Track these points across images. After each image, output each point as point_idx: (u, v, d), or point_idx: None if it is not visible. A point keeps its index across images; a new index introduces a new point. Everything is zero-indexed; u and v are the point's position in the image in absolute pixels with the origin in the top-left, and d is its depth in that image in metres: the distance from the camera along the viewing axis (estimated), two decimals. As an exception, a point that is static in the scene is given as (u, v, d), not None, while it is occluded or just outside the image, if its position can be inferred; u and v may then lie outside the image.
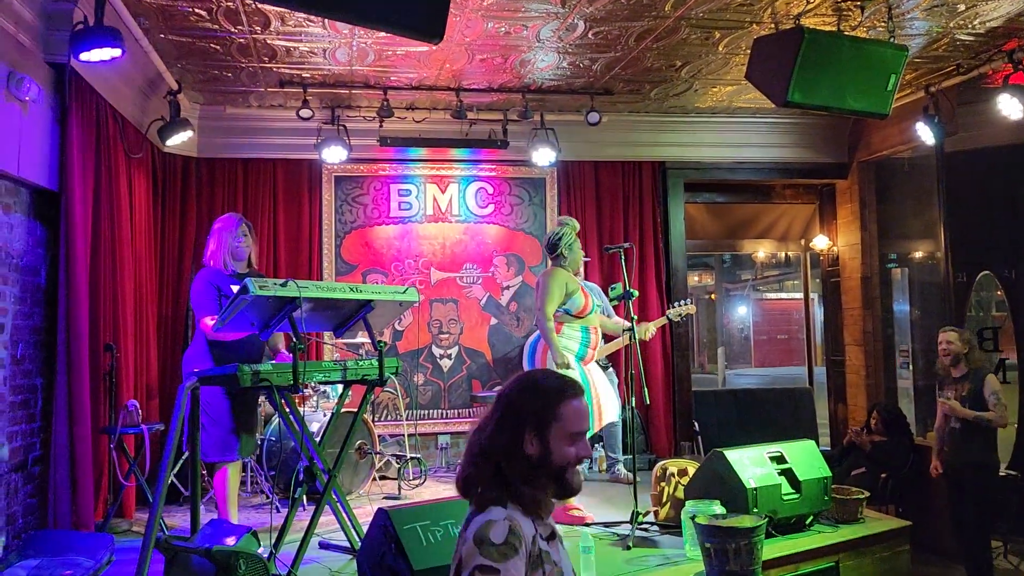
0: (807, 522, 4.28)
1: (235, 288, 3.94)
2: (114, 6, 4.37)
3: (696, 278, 22.30)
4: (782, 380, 18.69)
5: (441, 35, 3.32)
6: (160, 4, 4.57)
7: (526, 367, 4.92)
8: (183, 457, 4.98)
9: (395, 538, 3.09)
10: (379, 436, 6.07)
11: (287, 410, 3.81)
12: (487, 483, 1.85)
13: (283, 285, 3.57)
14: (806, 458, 4.44)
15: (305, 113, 6.13)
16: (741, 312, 24.83)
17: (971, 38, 5.37)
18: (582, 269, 5.01)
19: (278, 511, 4.91)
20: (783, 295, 24.07)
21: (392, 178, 7.09)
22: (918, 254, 7.48)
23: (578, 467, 1.92)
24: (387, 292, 4.09)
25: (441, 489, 5.90)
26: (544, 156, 6.69)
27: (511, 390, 1.94)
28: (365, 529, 4.06)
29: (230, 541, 3.15)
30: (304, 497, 4.67)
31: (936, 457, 5.28)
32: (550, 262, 4.97)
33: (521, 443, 1.85)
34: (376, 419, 6.69)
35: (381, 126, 6.56)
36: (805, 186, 8.11)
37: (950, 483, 5.20)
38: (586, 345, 4.81)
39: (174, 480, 5.11)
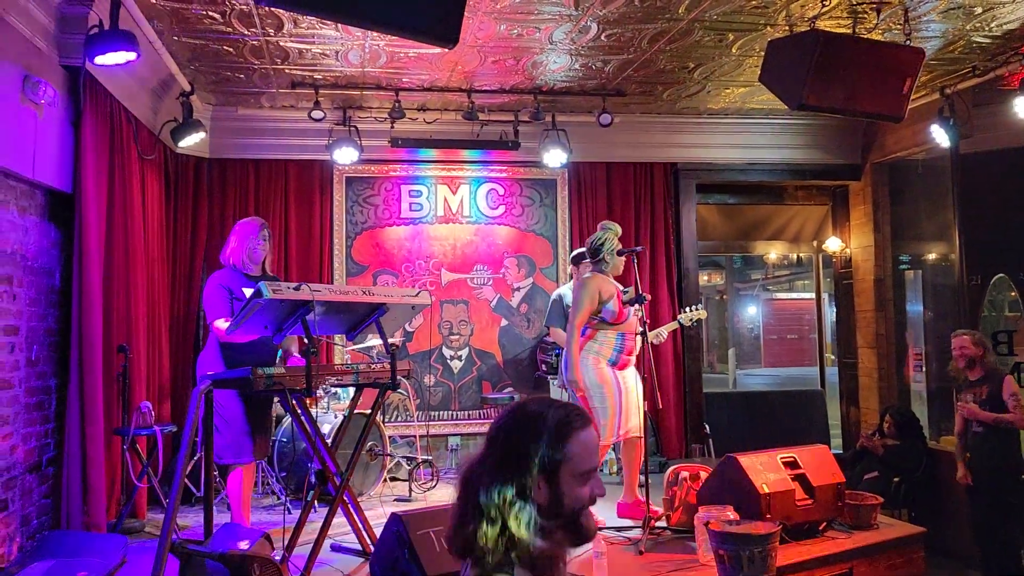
0: (820, 528, 4.26)
1: (247, 291, 3.95)
2: (128, 9, 4.38)
3: (706, 278, 22.24)
4: (792, 380, 18.63)
5: (456, 40, 3.30)
6: (174, 7, 4.58)
7: (562, 373, 4.90)
8: (195, 457, 5.00)
9: (408, 543, 3.09)
10: (389, 437, 6.08)
11: (300, 413, 3.82)
12: (491, 544, 1.56)
13: (296, 288, 3.57)
14: (820, 463, 4.41)
15: (317, 114, 6.14)
16: (751, 312, 24.74)
17: (987, 40, 5.33)
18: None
19: (289, 512, 4.93)
20: (793, 295, 23.96)
21: (403, 179, 7.09)
22: (932, 256, 7.43)
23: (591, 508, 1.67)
24: (400, 295, 4.09)
25: (452, 491, 5.89)
26: (555, 157, 6.68)
27: (506, 430, 1.64)
28: (376, 531, 4.08)
29: (244, 545, 3.16)
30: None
31: (960, 463, 5.23)
32: (590, 267, 4.96)
33: (527, 492, 1.57)
34: (386, 420, 6.69)
35: (392, 127, 6.57)
36: (818, 187, 8.07)
37: (971, 487, 5.16)
38: (620, 351, 4.75)
39: (186, 481, 5.13)
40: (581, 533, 1.63)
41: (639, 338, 4.77)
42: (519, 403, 1.71)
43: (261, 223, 4.44)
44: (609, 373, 4.74)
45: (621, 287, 4.98)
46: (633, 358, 4.85)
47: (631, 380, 4.82)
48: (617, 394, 4.71)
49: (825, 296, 9.30)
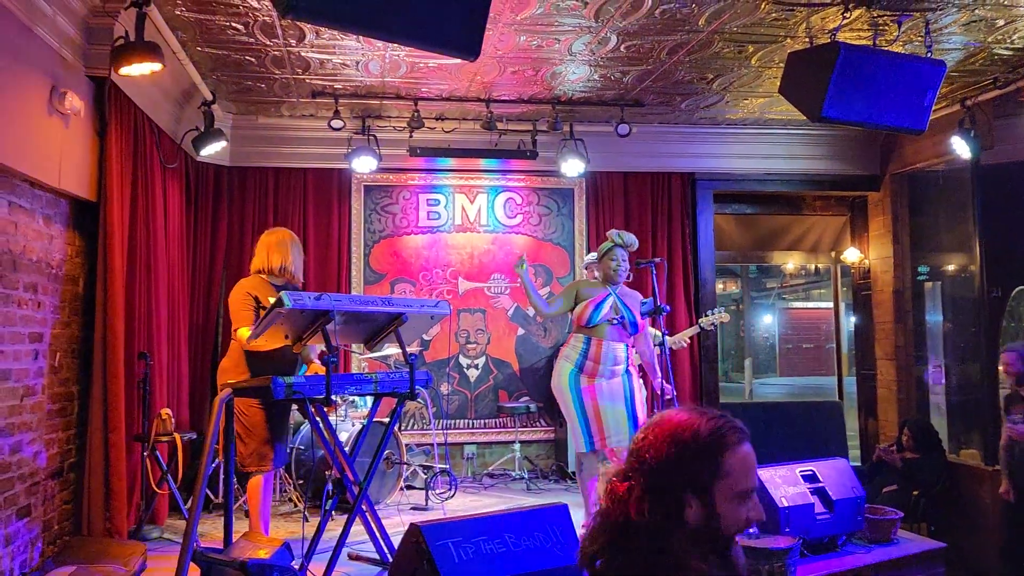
0: (840, 543, 4.23)
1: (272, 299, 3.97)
2: (153, 20, 4.43)
3: (721, 286, 22.13)
4: (808, 390, 18.52)
5: (478, 52, 3.33)
6: (198, 18, 4.63)
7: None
8: (213, 464, 5.03)
9: (428, 555, 3.08)
10: (406, 445, 6.10)
11: (320, 422, 3.84)
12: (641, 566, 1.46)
13: (317, 299, 3.60)
14: (839, 477, 4.38)
15: (336, 123, 6.18)
16: (767, 321, 24.62)
17: (1009, 52, 5.30)
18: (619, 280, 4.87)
19: (307, 520, 4.95)
20: (809, 304, 23.83)
21: (421, 188, 7.13)
22: (951, 267, 7.37)
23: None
24: (419, 305, 4.10)
25: (468, 501, 5.91)
26: (573, 167, 6.69)
27: (654, 443, 1.53)
28: (393, 540, 4.09)
29: (264, 554, 3.18)
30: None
31: (1005, 478, 5.17)
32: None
33: (680, 512, 1.47)
34: (403, 428, 6.71)
35: (411, 136, 6.60)
36: (836, 198, 8.03)
37: (1011, 503, 5.09)
38: (584, 356, 4.69)
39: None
40: (728, 563, 1.51)
41: (621, 353, 4.70)
42: (667, 416, 1.58)
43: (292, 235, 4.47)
44: (571, 379, 4.69)
45: (641, 297, 4.97)
46: (615, 368, 4.70)
47: (609, 391, 4.68)
48: (580, 401, 4.64)
49: (842, 305, 9.25)
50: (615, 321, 4.71)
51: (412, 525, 3.22)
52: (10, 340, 3.78)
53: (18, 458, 3.87)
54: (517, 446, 6.70)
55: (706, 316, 5.72)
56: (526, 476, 6.50)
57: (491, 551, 3.22)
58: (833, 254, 8.41)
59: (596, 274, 5.22)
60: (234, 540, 3.50)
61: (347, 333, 4.14)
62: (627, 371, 4.76)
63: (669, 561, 1.45)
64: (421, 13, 3.10)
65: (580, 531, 4.54)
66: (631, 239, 4.84)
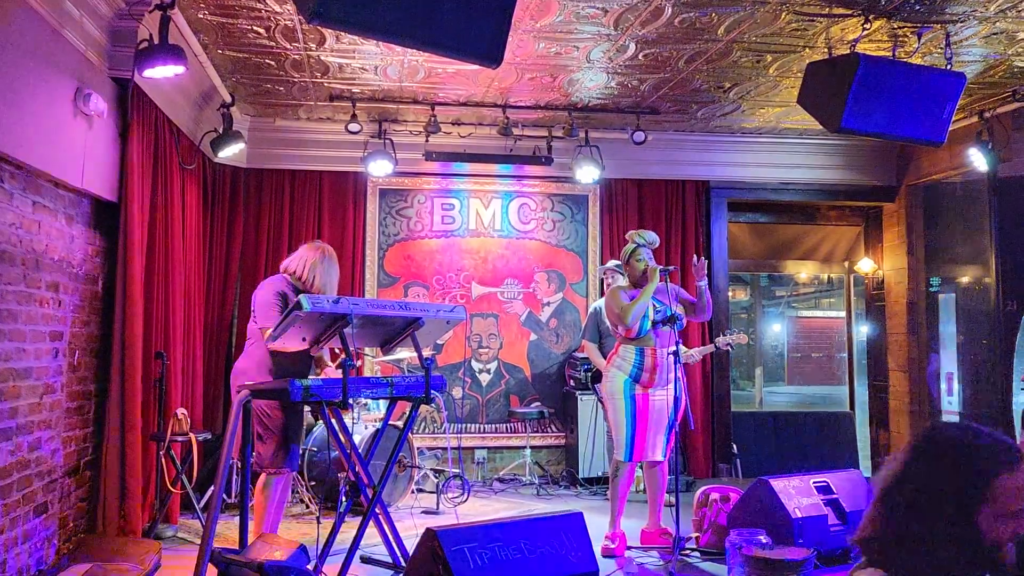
0: (853, 555, 4.22)
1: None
2: (176, 23, 4.47)
3: (731, 293, 22.06)
4: (817, 399, 18.44)
5: (500, 60, 3.35)
6: (220, 21, 4.67)
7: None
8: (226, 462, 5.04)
9: (443, 560, 3.10)
10: (417, 449, 6.11)
11: (336, 425, 3.85)
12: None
13: (336, 302, 3.61)
14: (852, 488, 4.38)
15: (353, 127, 6.21)
16: (776, 329, 24.56)
17: (1029, 65, 5.29)
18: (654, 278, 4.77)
19: (319, 522, 4.96)
20: (819, 312, 23.76)
21: (436, 192, 7.15)
22: (965, 279, 7.35)
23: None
24: (436, 310, 4.12)
25: (479, 506, 5.91)
26: (588, 173, 6.70)
27: (926, 459, 1.54)
28: (405, 543, 4.10)
29: (280, 555, 3.19)
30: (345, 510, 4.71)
31: None
32: (618, 278, 5.11)
33: (942, 529, 1.48)
34: (415, 431, 6.72)
35: (427, 141, 6.63)
36: (851, 208, 8.02)
37: None
38: (640, 367, 4.59)
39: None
40: (998, 569, 1.50)
41: (671, 358, 4.59)
42: (939, 428, 1.60)
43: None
44: (627, 388, 4.60)
45: (676, 287, 4.92)
46: (668, 376, 4.61)
47: (660, 405, 4.62)
48: (632, 412, 4.57)
49: (854, 315, 9.22)
50: (658, 323, 4.60)
51: (428, 530, 3.24)
52: (32, 338, 3.82)
53: (36, 455, 3.90)
54: (528, 451, 6.71)
55: (723, 336, 5.63)
56: (536, 481, 6.51)
57: (507, 557, 3.24)
58: (847, 264, 8.39)
59: (619, 280, 5.21)
60: (250, 542, 3.51)
61: (364, 337, 4.15)
62: (677, 378, 4.60)
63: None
64: (445, 21, 3.12)
65: (605, 542, 4.55)
66: (652, 236, 4.79)
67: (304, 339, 3.88)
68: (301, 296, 3.52)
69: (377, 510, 3.99)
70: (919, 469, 1.52)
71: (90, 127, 4.16)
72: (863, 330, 8.38)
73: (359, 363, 5.76)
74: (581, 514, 3.62)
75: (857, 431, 8.19)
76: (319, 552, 3.79)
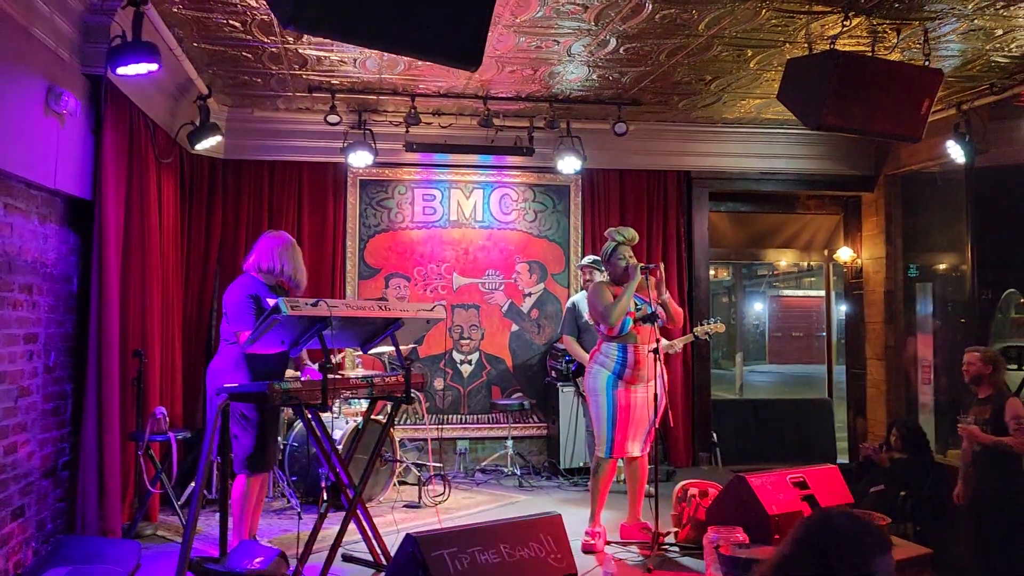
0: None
1: (272, 302, 3.95)
2: (150, 18, 4.38)
3: (713, 272, 22.14)
4: (797, 378, 18.67)
5: (479, 63, 3.30)
6: (195, 15, 4.60)
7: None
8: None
9: (423, 564, 3.12)
10: (399, 441, 6.12)
11: (315, 427, 3.85)
12: None
13: (314, 305, 3.59)
14: (829, 484, 4.44)
15: (333, 119, 6.15)
16: (757, 308, 24.74)
17: (1006, 60, 5.31)
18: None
19: (300, 518, 4.98)
20: (800, 292, 23.98)
21: (417, 183, 7.11)
22: (942, 268, 7.43)
23: None
24: (415, 309, 4.11)
25: (461, 498, 5.94)
26: (569, 164, 6.68)
27: (813, 537, 1.68)
28: (387, 540, 4.12)
29: (259, 562, 3.20)
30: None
31: (961, 481, 5.23)
32: (598, 275, 5.05)
33: None
34: (396, 423, 6.72)
35: (407, 131, 6.57)
36: (830, 197, 8.06)
37: (973, 509, 5.16)
38: (623, 364, 4.57)
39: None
40: None
41: (652, 354, 4.61)
42: (828, 516, 1.73)
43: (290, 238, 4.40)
44: (609, 385, 4.59)
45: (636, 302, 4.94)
46: (648, 373, 4.61)
47: (642, 401, 4.63)
48: (613, 408, 4.57)
49: (833, 296, 9.27)
50: (639, 319, 4.59)
51: (408, 535, 3.25)
52: (5, 343, 3.77)
53: (12, 459, 3.87)
54: (510, 442, 6.74)
55: (700, 325, 5.68)
56: (518, 472, 6.54)
57: (486, 561, 3.25)
58: (826, 252, 8.45)
59: (599, 276, 5.21)
60: (231, 546, 3.51)
61: (343, 337, 4.15)
62: (659, 375, 4.60)
63: None
64: (422, 25, 3.07)
65: (585, 538, 4.59)
66: (632, 233, 4.76)
67: (283, 342, 3.87)
68: (279, 301, 3.49)
69: (358, 511, 4.01)
70: (813, 552, 1.64)
71: (62, 126, 4.09)
72: (842, 309, 8.45)
73: (340, 357, 5.73)
74: (560, 516, 3.64)
75: (835, 416, 8.30)
76: (299, 555, 3.80)
